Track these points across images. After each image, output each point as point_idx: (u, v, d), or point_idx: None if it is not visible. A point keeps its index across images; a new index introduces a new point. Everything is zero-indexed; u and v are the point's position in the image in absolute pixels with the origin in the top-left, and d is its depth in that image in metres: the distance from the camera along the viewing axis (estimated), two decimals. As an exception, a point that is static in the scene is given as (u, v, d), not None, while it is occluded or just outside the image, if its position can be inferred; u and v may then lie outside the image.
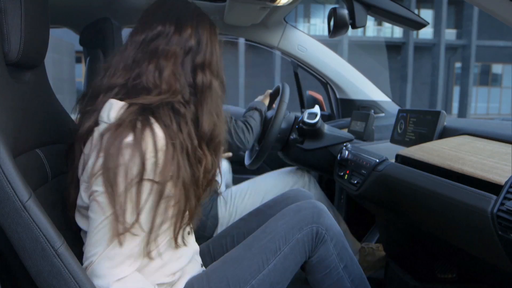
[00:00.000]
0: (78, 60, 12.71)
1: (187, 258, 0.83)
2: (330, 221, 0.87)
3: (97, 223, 0.67)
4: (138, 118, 0.67)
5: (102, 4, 1.64)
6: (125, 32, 1.76)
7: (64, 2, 1.57)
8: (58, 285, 0.63)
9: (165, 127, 0.69)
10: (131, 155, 0.65)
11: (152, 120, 0.68)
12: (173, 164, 0.68)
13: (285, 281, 0.83)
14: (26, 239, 0.61)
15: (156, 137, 0.67)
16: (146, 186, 0.66)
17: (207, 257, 0.95)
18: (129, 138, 0.65)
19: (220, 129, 0.78)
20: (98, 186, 0.66)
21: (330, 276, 0.86)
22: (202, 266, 0.90)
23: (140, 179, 0.65)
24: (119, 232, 0.66)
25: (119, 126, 0.66)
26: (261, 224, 0.89)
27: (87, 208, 0.71)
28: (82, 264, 0.68)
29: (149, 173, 0.66)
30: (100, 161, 0.66)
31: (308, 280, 0.89)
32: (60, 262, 0.63)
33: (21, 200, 0.61)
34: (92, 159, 0.68)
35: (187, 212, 0.75)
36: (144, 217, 0.68)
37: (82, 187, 0.71)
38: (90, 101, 0.75)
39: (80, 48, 1.58)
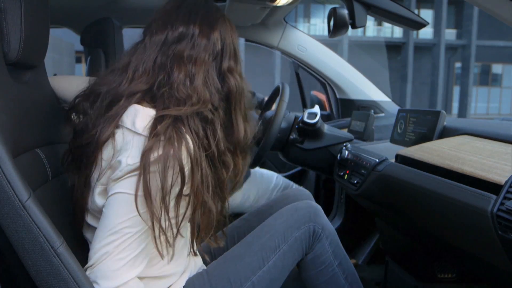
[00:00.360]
0: (78, 60, 12.70)
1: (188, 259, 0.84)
2: (325, 220, 0.90)
3: (115, 223, 0.66)
4: (173, 130, 0.66)
5: (102, 4, 1.64)
6: (126, 32, 1.76)
7: (65, 2, 1.57)
8: (57, 284, 0.63)
9: (195, 136, 0.69)
10: (168, 166, 0.64)
11: (183, 130, 0.68)
12: (199, 171, 0.69)
13: (283, 277, 0.86)
14: (25, 239, 0.61)
15: (189, 148, 0.67)
16: (179, 193, 0.67)
17: (207, 256, 0.96)
18: (166, 151, 0.64)
19: (251, 133, 0.78)
20: (125, 188, 0.65)
21: (325, 272, 0.89)
22: (202, 265, 0.90)
23: (171, 186, 0.66)
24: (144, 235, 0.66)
25: (156, 139, 0.65)
26: (261, 223, 0.91)
27: (98, 211, 0.70)
28: (85, 263, 0.68)
29: (182, 182, 0.66)
30: (132, 165, 0.65)
31: (303, 276, 0.91)
32: (59, 262, 0.63)
33: (21, 200, 0.60)
34: (121, 162, 0.66)
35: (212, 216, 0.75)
36: (172, 222, 0.69)
37: (97, 190, 0.70)
38: (108, 106, 0.71)
39: (80, 48, 1.58)
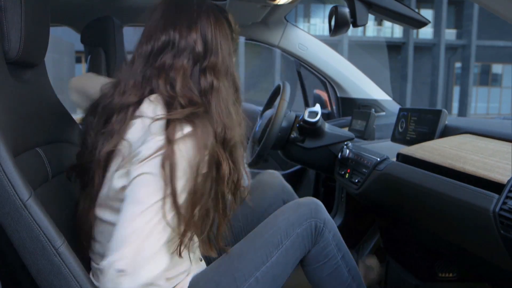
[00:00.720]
0: (78, 60, 12.70)
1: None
2: (327, 215, 0.91)
3: (142, 205, 0.64)
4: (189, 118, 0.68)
5: (103, 2, 1.64)
6: (126, 30, 1.76)
7: (65, 0, 1.57)
8: (58, 284, 0.63)
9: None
10: (194, 145, 0.66)
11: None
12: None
13: (286, 274, 0.86)
14: (26, 238, 0.61)
15: (210, 131, 0.70)
16: (204, 175, 0.69)
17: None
18: (192, 130, 0.67)
19: (233, 132, 0.75)
20: (151, 168, 0.64)
21: (329, 265, 0.89)
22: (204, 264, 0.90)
23: (199, 166, 0.67)
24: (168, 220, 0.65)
25: (178, 121, 0.67)
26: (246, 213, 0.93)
27: (115, 197, 0.70)
28: (87, 262, 0.68)
29: (205, 164, 0.68)
30: (158, 144, 0.65)
31: (306, 270, 0.91)
32: (60, 261, 0.63)
33: (22, 199, 0.60)
34: (144, 145, 0.66)
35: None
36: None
37: (117, 174, 0.69)
38: (105, 123, 0.73)
39: (81, 48, 1.58)
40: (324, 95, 2.12)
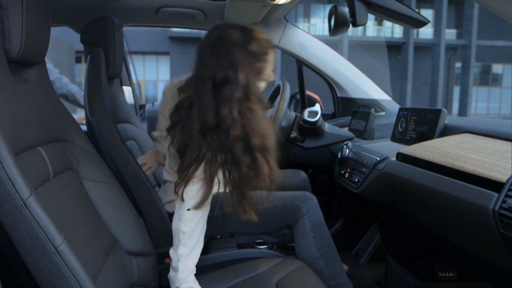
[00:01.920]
0: (78, 60, 12.70)
1: None
2: (314, 207, 1.22)
3: None
4: None
5: (102, 2, 1.64)
6: (126, 30, 1.76)
7: (64, 0, 1.57)
8: (58, 282, 0.63)
9: None
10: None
11: None
12: None
13: (272, 224, 1.24)
14: (26, 237, 0.61)
15: None
16: None
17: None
18: None
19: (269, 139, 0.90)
20: None
21: (302, 240, 1.20)
22: None
23: None
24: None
25: None
26: None
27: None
28: (87, 260, 0.68)
29: None
30: None
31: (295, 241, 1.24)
32: (60, 260, 0.63)
33: (22, 198, 0.60)
34: None
35: None
36: None
37: None
38: None
39: (80, 48, 1.58)
40: (315, 96, 2.12)
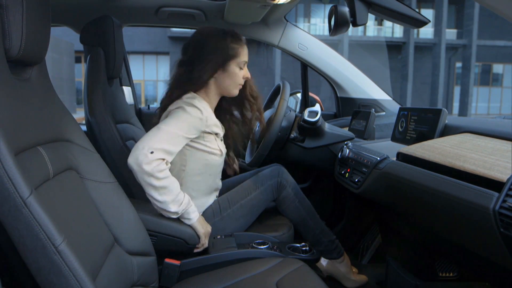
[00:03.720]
0: (78, 60, 12.70)
1: None
2: (288, 176, 1.42)
3: None
4: None
5: (102, 2, 1.64)
6: (126, 30, 1.76)
7: (64, 0, 1.57)
8: (58, 282, 0.63)
9: None
10: None
11: None
12: None
13: (261, 207, 1.40)
14: (26, 236, 0.61)
15: None
16: None
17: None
18: None
19: None
20: None
21: (290, 206, 1.42)
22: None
23: None
24: None
25: None
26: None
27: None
28: (88, 260, 0.68)
29: None
30: None
31: (280, 209, 1.45)
32: (60, 260, 0.63)
33: (22, 197, 0.60)
34: None
35: None
36: None
37: None
38: None
39: (80, 48, 1.58)
40: (315, 97, 2.12)
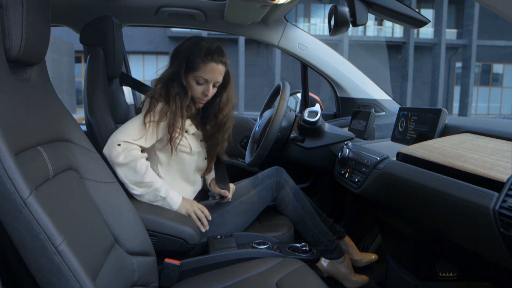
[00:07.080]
0: (78, 60, 12.70)
1: None
2: (287, 176, 1.48)
3: None
4: None
5: (102, 2, 1.64)
6: (126, 30, 1.76)
7: (64, 0, 1.57)
8: (58, 282, 0.63)
9: None
10: None
11: None
12: None
13: (261, 206, 1.44)
14: (26, 236, 0.61)
15: None
16: None
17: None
18: None
19: None
20: None
21: (289, 206, 1.46)
22: None
23: None
24: None
25: None
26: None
27: None
28: (88, 260, 0.68)
29: None
30: None
31: (280, 209, 1.49)
32: (60, 259, 0.63)
33: (22, 197, 0.60)
34: None
35: None
36: None
37: None
38: None
39: (80, 47, 1.58)
40: (315, 97, 2.12)
